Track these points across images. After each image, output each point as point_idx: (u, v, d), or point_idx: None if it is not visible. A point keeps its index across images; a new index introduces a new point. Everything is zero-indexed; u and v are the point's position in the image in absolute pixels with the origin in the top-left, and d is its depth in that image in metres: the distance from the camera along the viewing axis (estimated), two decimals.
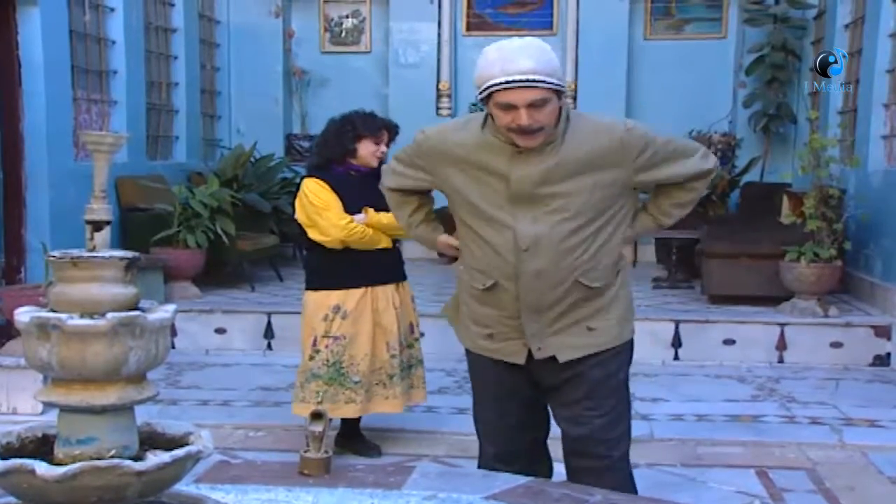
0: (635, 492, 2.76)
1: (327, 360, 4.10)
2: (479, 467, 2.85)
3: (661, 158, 2.62)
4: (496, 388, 2.79)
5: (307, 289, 4.23)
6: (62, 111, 6.49)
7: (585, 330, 2.64)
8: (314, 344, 4.13)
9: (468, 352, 2.84)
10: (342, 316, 4.10)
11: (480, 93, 2.46)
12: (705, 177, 2.73)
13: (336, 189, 4.10)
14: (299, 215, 4.15)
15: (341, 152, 4.13)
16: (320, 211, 4.06)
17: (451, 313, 2.90)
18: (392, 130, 4.23)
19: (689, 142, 2.83)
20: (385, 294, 4.18)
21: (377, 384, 4.17)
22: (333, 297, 4.12)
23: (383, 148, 4.16)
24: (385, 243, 4.18)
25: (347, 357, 4.11)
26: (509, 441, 2.80)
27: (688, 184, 2.71)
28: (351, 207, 4.09)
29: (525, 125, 2.42)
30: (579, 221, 2.55)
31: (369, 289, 4.15)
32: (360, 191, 4.11)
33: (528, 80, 2.38)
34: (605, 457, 2.67)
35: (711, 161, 2.73)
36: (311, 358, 4.14)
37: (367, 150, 4.12)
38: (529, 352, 2.66)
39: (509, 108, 2.42)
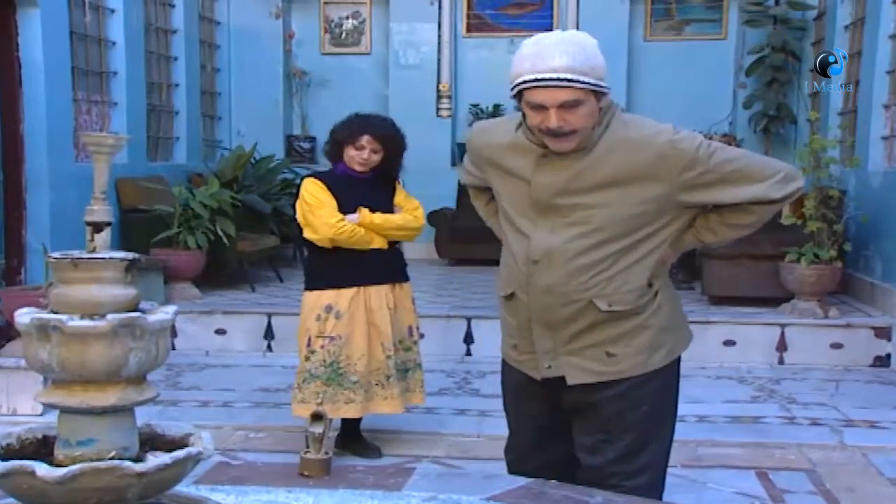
0: None
1: (324, 361, 4.11)
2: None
3: (716, 179, 2.31)
4: (515, 399, 2.66)
5: (305, 289, 4.24)
6: (62, 112, 6.49)
7: (604, 355, 2.41)
8: (308, 344, 4.14)
9: (502, 358, 2.70)
10: (336, 316, 4.10)
11: (511, 89, 2.27)
12: (773, 203, 2.39)
13: (333, 189, 4.10)
14: (298, 215, 4.17)
15: (338, 154, 4.15)
16: (314, 209, 4.07)
17: None
18: (378, 136, 4.06)
19: (765, 165, 2.42)
20: (379, 294, 4.17)
21: (376, 384, 4.17)
22: (325, 297, 4.12)
23: (364, 154, 4.06)
24: (378, 243, 4.16)
25: (344, 357, 4.11)
26: (526, 451, 2.67)
27: (749, 206, 2.38)
28: (347, 208, 4.09)
29: (554, 127, 2.23)
30: (601, 237, 2.32)
31: (362, 288, 4.14)
32: (359, 192, 4.12)
33: (558, 80, 2.17)
34: (617, 486, 2.40)
35: (789, 188, 2.38)
36: (307, 358, 4.15)
37: (348, 157, 4.11)
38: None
39: (539, 108, 2.23)
